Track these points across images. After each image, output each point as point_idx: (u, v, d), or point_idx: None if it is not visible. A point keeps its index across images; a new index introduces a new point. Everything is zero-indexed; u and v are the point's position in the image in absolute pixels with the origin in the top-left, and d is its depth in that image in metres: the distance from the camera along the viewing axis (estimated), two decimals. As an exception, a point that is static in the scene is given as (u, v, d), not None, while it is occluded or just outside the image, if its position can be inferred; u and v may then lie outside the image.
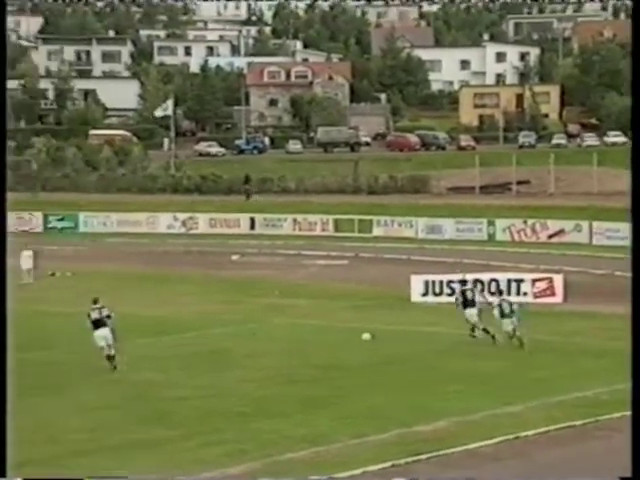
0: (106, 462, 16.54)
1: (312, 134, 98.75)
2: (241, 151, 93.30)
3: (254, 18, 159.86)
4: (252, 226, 58.25)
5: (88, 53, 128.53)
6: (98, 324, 23.77)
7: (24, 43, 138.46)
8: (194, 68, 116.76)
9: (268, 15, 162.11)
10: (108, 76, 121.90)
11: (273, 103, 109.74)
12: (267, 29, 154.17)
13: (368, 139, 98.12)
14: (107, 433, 18.33)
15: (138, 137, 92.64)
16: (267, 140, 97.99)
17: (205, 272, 42.48)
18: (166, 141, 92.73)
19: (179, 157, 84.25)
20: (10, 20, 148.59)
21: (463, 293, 27.41)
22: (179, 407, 20.18)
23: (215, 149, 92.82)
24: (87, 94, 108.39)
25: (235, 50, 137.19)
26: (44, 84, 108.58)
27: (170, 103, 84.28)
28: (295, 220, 58.00)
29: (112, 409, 20.06)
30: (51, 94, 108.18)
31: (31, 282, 37.55)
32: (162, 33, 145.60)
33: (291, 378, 22.89)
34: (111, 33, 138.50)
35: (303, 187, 72.83)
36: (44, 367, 23.97)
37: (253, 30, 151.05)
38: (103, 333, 23.74)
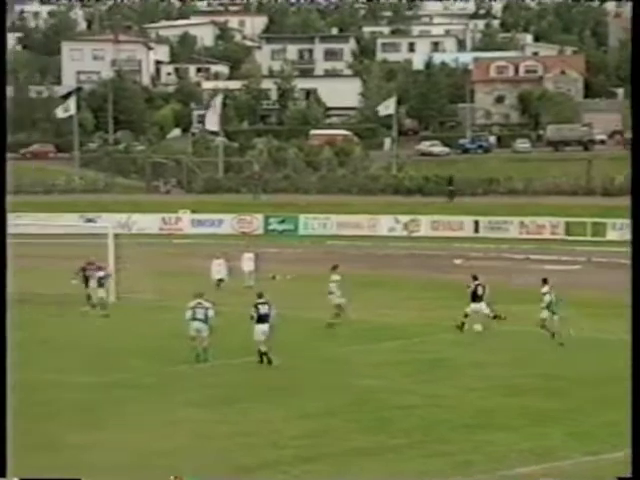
0: (328, 469, 16.85)
1: (541, 132, 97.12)
2: (465, 150, 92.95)
3: (482, 11, 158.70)
4: (476, 229, 57.88)
5: (310, 51, 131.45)
6: (260, 319, 24.97)
7: (248, 43, 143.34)
8: (418, 65, 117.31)
9: (497, 8, 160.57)
10: (330, 74, 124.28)
11: (500, 100, 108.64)
12: (495, 22, 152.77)
13: (603, 137, 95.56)
14: (329, 439, 18.64)
15: (359, 137, 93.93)
16: (493, 139, 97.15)
17: (428, 276, 42.55)
18: (387, 141, 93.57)
19: (401, 157, 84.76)
20: (234, 20, 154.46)
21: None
22: (403, 415, 20.31)
23: (438, 148, 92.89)
24: (309, 93, 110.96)
25: (461, 45, 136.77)
26: (266, 84, 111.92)
27: (392, 101, 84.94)
28: (522, 223, 57.17)
29: (335, 415, 20.40)
30: (273, 94, 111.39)
31: (252, 285, 38.69)
32: (386, 29, 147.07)
33: (517, 389, 22.58)
34: (334, 31, 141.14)
35: (531, 188, 71.67)
36: (265, 371, 24.66)
37: (481, 24, 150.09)
38: (263, 328, 24.89)
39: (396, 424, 19.65)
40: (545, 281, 28.40)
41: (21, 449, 17.71)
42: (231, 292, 35.02)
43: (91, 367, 24.89)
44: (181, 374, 24.30)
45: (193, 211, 63.37)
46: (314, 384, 23.29)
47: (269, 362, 24.88)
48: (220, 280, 38.65)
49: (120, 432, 19.11)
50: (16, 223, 53.57)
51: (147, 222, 61.27)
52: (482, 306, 29.33)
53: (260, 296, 25.54)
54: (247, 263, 40.10)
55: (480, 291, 29.47)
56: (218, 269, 39.16)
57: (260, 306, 25.21)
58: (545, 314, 27.88)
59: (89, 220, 57.11)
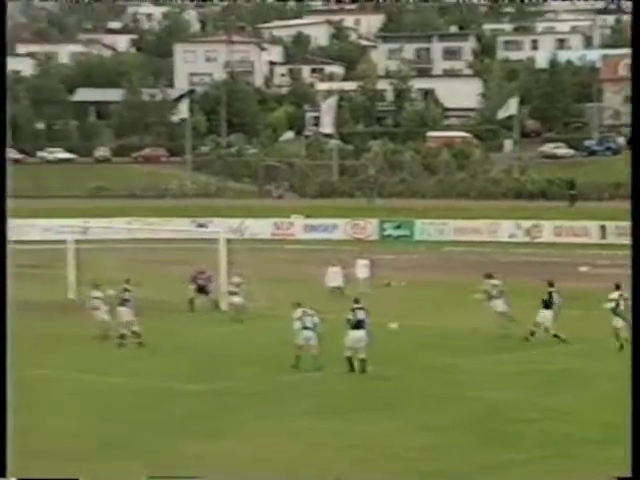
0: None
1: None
2: (592, 152, 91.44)
3: (612, 6, 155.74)
4: (603, 235, 56.92)
5: (428, 50, 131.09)
6: (356, 325, 24.98)
7: (363, 42, 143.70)
8: (541, 63, 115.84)
9: (628, 3, 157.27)
10: (448, 74, 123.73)
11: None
12: (626, 17, 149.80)
13: None
14: (448, 454, 18.61)
15: (479, 139, 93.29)
16: (622, 140, 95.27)
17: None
18: (507, 143, 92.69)
19: (523, 159, 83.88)
20: (350, 19, 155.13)
21: None
22: (525, 429, 20.15)
23: (562, 150, 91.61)
24: (426, 94, 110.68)
25: (588, 42, 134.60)
26: (382, 84, 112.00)
27: (514, 102, 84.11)
28: (654, 229, 55.94)
29: (453, 428, 20.34)
30: (389, 95, 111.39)
31: (367, 292, 38.73)
32: (508, 26, 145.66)
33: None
34: (453, 29, 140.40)
35: (663, 192, 70.09)
36: (377, 381, 24.73)
37: (610, 19, 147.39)
38: (358, 335, 24.91)
39: (517, 438, 19.48)
40: (618, 287, 27.51)
41: (140, 459, 18.18)
42: (344, 300, 35.16)
43: (208, 374, 25.55)
44: (292, 382, 24.57)
45: (307, 216, 63.72)
46: (429, 395, 23.23)
47: (362, 370, 24.89)
48: (336, 288, 38.81)
49: (235, 441, 19.48)
50: (129, 228, 55.04)
51: (259, 227, 61.89)
52: (547, 315, 28.70)
53: (357, 301, 25.64)
54: (361, 270, 40.17)
55: (550, 298, 28.82)
56: (334, 277, 39.27)
57: (357, 311, 25.27)
58: (619, 323, 27.10)
59: (201, 225, 58.01)
